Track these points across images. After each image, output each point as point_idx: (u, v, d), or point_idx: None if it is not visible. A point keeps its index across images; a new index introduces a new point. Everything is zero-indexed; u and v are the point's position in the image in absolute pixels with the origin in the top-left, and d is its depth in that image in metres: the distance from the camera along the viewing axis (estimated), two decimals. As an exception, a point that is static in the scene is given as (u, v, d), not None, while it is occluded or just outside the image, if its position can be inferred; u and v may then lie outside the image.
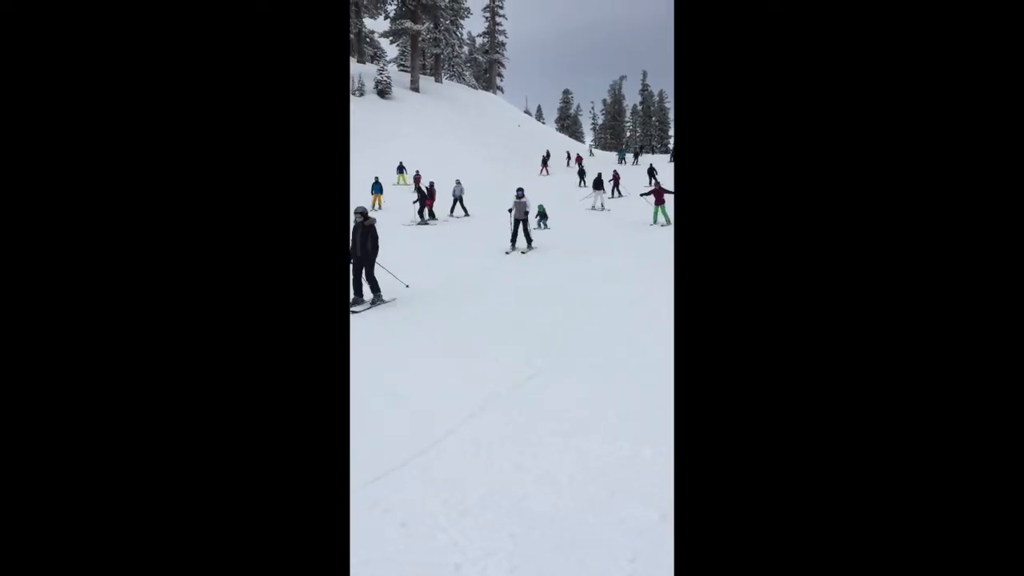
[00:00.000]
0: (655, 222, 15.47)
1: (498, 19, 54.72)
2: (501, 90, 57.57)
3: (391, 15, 44.88)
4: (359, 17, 45.76)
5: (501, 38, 55.85)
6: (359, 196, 18.39)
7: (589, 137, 74.42)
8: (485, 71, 56.86)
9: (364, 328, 7.12)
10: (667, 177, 22.19)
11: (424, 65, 47.09)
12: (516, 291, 8.98)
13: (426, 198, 18.55)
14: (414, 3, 43.02)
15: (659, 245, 12.16)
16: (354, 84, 39.13)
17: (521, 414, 4.54)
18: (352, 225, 8.00)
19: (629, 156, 41.20)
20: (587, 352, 5.99)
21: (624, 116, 77.14)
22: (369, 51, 48.95)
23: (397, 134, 34.29)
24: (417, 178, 22.20)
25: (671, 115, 70.99)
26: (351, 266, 7.99)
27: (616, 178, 24.00)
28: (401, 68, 47.49)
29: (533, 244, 12.71)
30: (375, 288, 8.21)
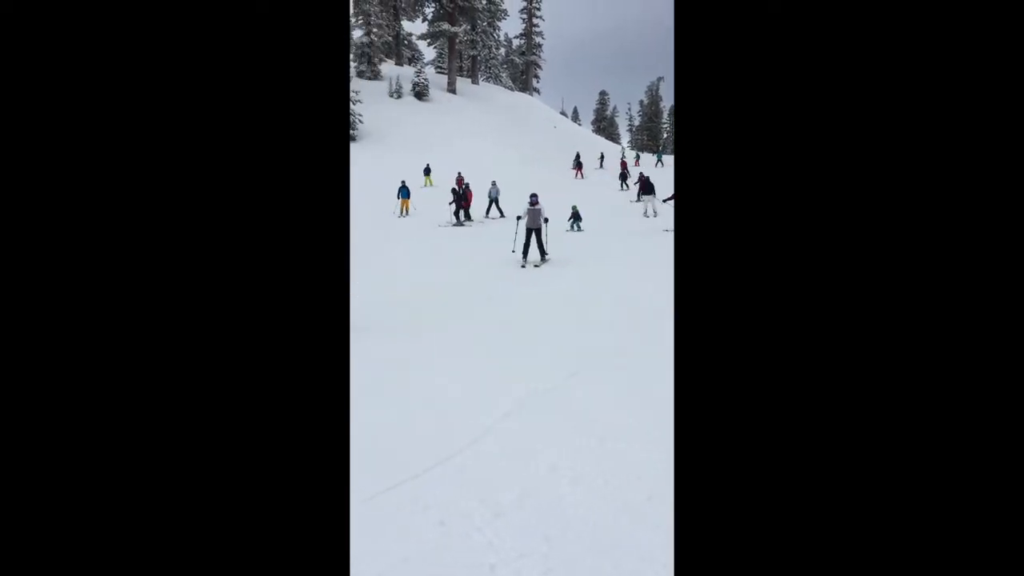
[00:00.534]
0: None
1: (535, 20, 54.73)
2: (537, 91, 57.62)
3: (429, 18, 45.24)
4: (397, 20, 46.26)
5: (538, 39, 55.85)
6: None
7: (625, 139, 73.98)
8: (522, 73, 56.94)
9: (393, 328, 7.22)
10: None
11: (461, 67, 47.38)
12: (540, 297, 8.99)
13: (462, 199, 18.66)
14: (452, 5, 43.31)
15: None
16: (392, 86, 39.56)
17: (556, 416, 4.57)
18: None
19: (667, 157, 40.86)
20: (620, 355, 5.98)
21: (661, 117, 76.45)
22: (407, 53, 49.44)
23: (433, 136, 34.56)
24: (459, 180, 22.23)
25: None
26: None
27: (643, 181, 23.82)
28: (438, 70, 47.90)
29: (547, 256, 11.50)
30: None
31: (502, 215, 19.25)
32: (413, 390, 5.24)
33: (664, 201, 15.97)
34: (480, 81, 48.89)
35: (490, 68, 52.53)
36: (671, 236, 17.04)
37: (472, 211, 18.94)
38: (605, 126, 75.35)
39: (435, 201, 20.56)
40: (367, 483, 3.65)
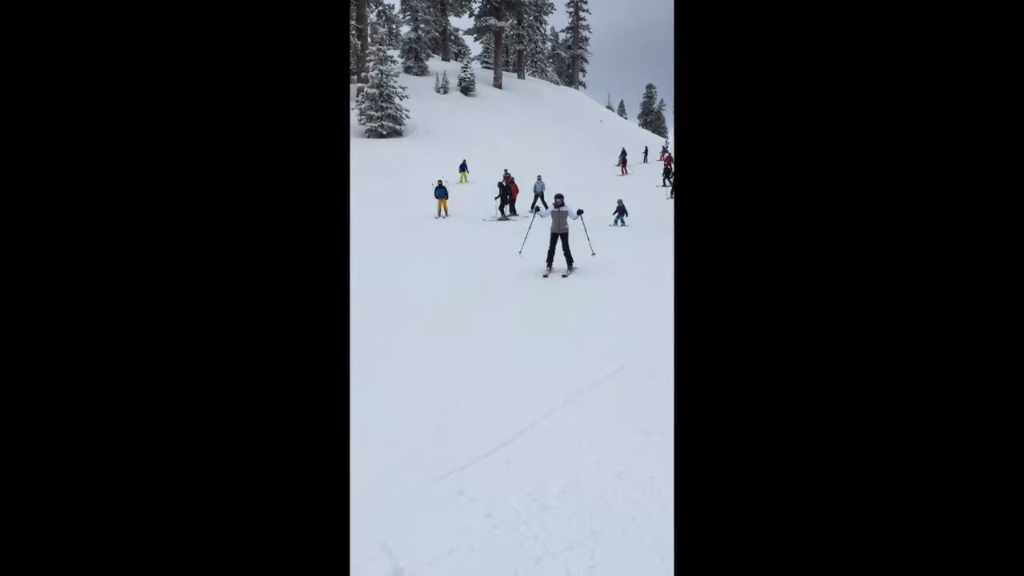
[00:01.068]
0: None
1: (581, 14, 54.29)
2: (583, 85, 57.21)
3: (475, 13, 45.38)
4: (444, 15, 46.51)
5: (584, 33, 55.40)
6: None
7: (672, 133, 72.98)
8: (568, 67, 56.63)
9: (437, 322, 7.28)
10: None
11: (507, 62, 47.39)
12: (586, 293, 8.93)
13: (507, 193, 18.69)
14: (498, 0, 43.31)
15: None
16: (438, 81, 39.81)
17: (602, 411, 4.54)
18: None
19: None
20: (665, 352, 5.91)
21: (709, 111, 74.79)
22: (454, 48, 49.68)
23: (478, 130, 34.68)
24: (506, 177, 22.23)
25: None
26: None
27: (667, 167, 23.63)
28: (484, 65, 48.01)
29: (575, 265, 10.07)
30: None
31: (546, 207, 19.19)
32: (458, 384, 5.27)
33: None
34: (526, 75, 48.80)
35: (536, 62, 52.37)
36: None
37: (517, 206, 18.95)
38: (652, 120, 74.39)
39: (472, 199, 20.30)
40: (413, 474, 3.70)
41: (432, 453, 3.97)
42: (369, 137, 33.02)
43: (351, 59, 37.97)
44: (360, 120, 33.48)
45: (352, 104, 34.54)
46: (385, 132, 33.13)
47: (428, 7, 44.74)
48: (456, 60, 47.69)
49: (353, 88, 36.26)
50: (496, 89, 42.57)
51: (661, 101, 77.12)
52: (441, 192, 19.15)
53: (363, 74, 35.80)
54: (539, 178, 20.05)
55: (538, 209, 10.24)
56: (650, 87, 77.48)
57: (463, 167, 26.98)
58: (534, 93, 43.73)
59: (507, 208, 18.44)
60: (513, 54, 47.97)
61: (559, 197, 10.31)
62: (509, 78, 45.36)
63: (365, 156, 28.13)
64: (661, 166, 27.50)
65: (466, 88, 40.28)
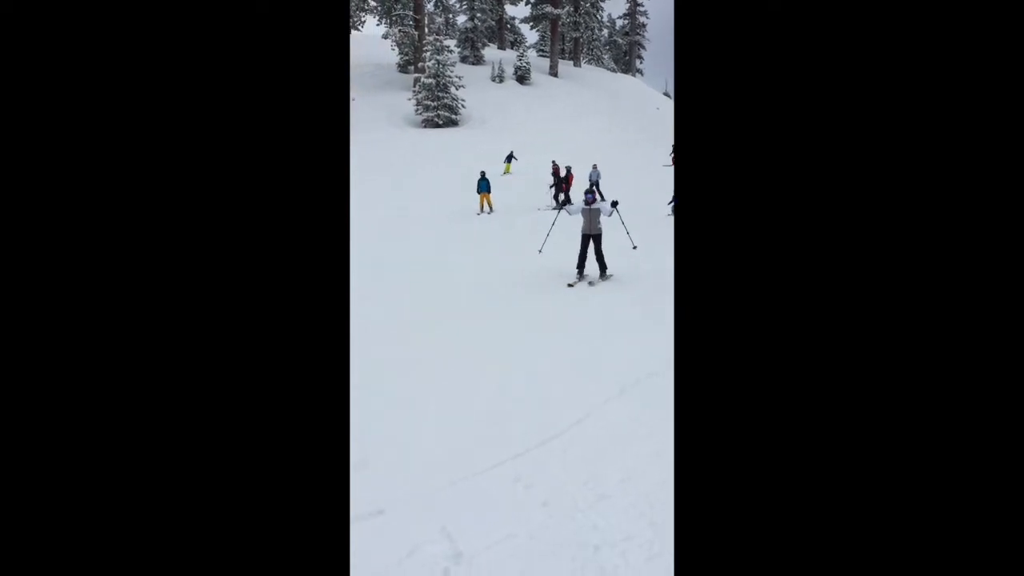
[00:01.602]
0: None
1: (639, 0, 53.47)
2: (640, 72, 56.36)
3: (532, 1, 45.15)
4: (500, 4, 46.41)
5: (641, 19, 54.52)
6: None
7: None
8: (624, 54, 55.85)
9: (492, 310, 7.32)
10: None
11: (563, 50, 47.02)
12: (644, 282, 8.79)
13: (562, 183, 18.61)
14: (555, -13, 43.01)
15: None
16: (494, 70, 39.82)
17: (659, 401, 4.49)
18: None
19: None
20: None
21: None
22: (510, 37, 49.60)
23: (534, 119, 34.57)
24: (555, 169, 22.01)
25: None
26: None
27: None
28: (540, 53, 47.79)
29: (608, 272, 8.72)
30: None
31: (602, 199, 19.05)
32: (514, 372, 5.29)
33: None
34: (582, 63, 48.37)
35: (592, 50, 51.83)
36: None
37: (572, 194, 18.85)
38: (710, 107, 72.80)
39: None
40: (469, 461, 3.73)
41: (486, 441, 4.00)
42: (425, 127, 33.32)
43: (408, 49, 38.36)
44: (416, 110, 33.81)
45: (409, 95, 34.92)
46: (441, 122, 33.38)
47: (484, -4, 44.76)
48: (512, 49, 47.64)
49: (410, 78, 36.64)
50: (552, 77, 42.30)
51: (720, 88, 75.18)
52: (484, 186, 17.66)
53: (420, 64, 36.12)
54: (594, 166, 19.88)
55: (569, 202, 8.86)
56: (709, 73, 75.67)
57: (509, 158, 26.40)
58: (590, 81, 43.32)
59: (562, 196, 18.37)
60: (569, 42, 47.57)
61: (589, 193, 8.85)
62: (565, 66, 45.03)
63: (416, 146, 28.42)
64: None
65: (522, 77, 40.18)
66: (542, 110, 36.11)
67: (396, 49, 39.74)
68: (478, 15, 42.92)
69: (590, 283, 8.47)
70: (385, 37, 41.87)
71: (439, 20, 43.98)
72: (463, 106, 34.52)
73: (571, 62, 46.97)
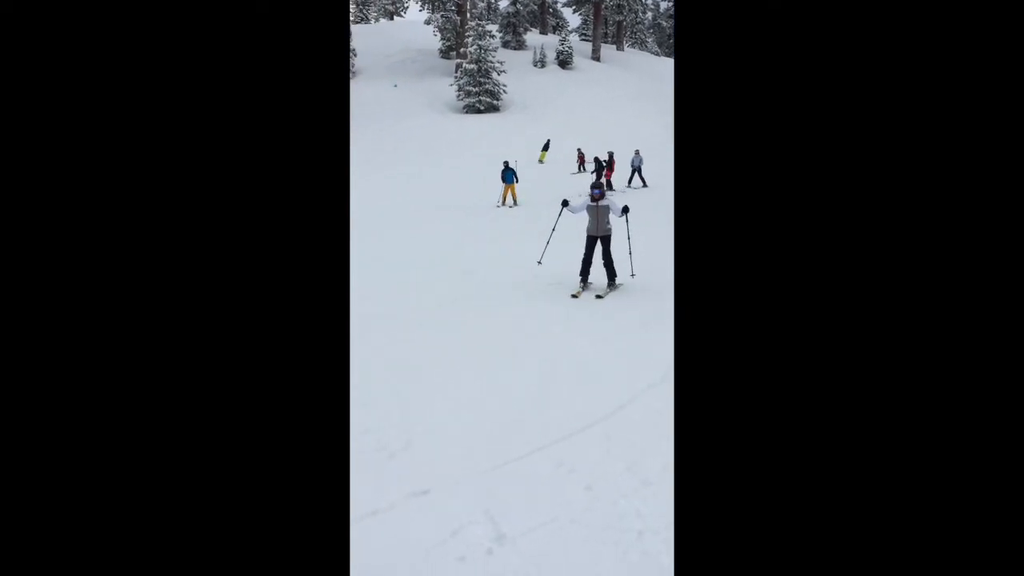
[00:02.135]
0: None
1: (685, -19, 52.39)
2: (685, 56, 55.30)
3: (575, -16, 44.70)
4: (543, -12, 46.03)
5: (687, 1, 53.46)
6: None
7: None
8: (669, 36, 54.91)
9: (533, 299, 7.32)
10: None
11: (606, 33, 46.48)
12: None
13: (603, 169, 18.47)
14: (598, -30, 42.43)
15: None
16: (536, 55, 39.58)
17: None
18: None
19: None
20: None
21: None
22: (552, 21, 49.19)
23: (575, 104, 34.30)
24: (581, 158, 21.74)
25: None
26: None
27: None
28: (583, 38, 47.25)
29: (618, 281, 7.62)
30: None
31: (644, 185, 18.85)
32: (557, 356, 5.30)
33: None
34: (625, 47, 47.72)
35: (636, 33, 51.06)
36: None
37: (614, 180, 18.69)
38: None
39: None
40: (511, 445, 3.75)
41: (528, 425, 4.01)
42: (467, 113, 33.36)
43: (450, 35, 38.35)
44: (458, 96, 33.85)
45: (450, 80, 34.96)
46: (483, 108, 33.38)
47: (527, -20, 44.41)
48: (554, 33, 47.25)
49: (452, 64, 36.65)
50: (594, 62, 41.86)
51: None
52: (509, 176, 16.70)
53: (462, 50, 36.11)
54: (636, 152, 19.66)
55: (566, 203, 7.81)
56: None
57: (546, 147, 26.22)
58: (634, 65, 42.72)
59: (603, 183, 18.23)
60: (612, 25, 46.99)
61: (597, 188, 7.48)
62: (608, 50, 44.49)
63: (451, 133, 28.43)
64: None
65: (564, 61, 39.85)
66: (584, 95, 35.79)
67: (438, 35, 39.82)
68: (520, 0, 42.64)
69: (597, 296, 7.26)
70: (427, 23, 41.93)
71: (481, 5, 43.86)
72: (504, 91, 34.45)
73: (614, 46, 46.38)
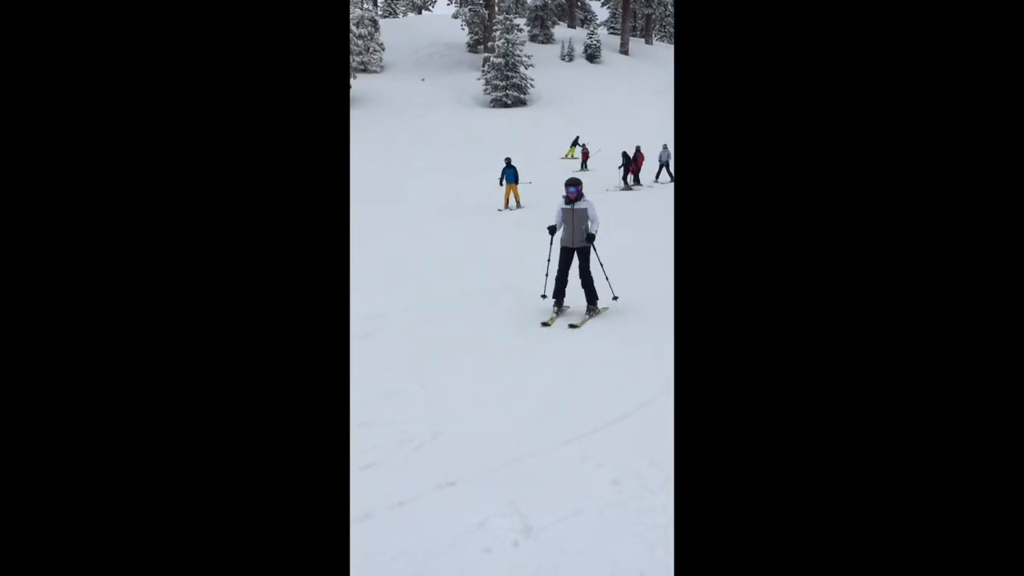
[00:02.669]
0: None
1: (715, -27, 51.78)
2: (714, 50, 54.72)
3: (603, -23, 44.42)
4: (571, -19, 45.81)
5: (717, -6, 52.84)
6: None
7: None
8: (698, 30, 54.32)
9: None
10: None
11: (635, 27, 46.14)
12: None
13: (631, 163, 18.36)
14: (627, -37, 42.09)
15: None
16: (564, 49, 39.42)
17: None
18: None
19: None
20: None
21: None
22: (580, 15, 48.95)
23: (602, 99, 34.12)
24: (585, 154, 21.59)
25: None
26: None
27: None
28: (611, 31, 46.97)
29: (600, 303, 6.44)
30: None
31: (672, 179, 18.72)
32: (583, 353, 5.30)
33: None
34: (654, 41, 47.31)
35: (665, 27, 50.59)
36: None
37: (641, 175, 18.59)
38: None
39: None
40: (534, 440, 3.77)
41: (552, 420, 4.03)
42: (494, 107, 33.35)
43: (478, 28, 38.34)
44: (485, 90, 33.85)
45: (478, 74, 34.97)
46: (510, 102, 33.35)
47: (555, -27, 44.22)
48: (582, 27, 47.01)
49: (479, 58, 36.66)
50: (622, 56, 41.59)
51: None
52: (510, 175, 15.25)
53: (489, 43, 36.09)
54: (664, 147, 19.51)
55: (553, 228, 6.59)
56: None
57: (575, 142, 26.03)
58: (662, 59, 42.31)
59: (631, 178, 18.15)
60: (641, 18, 46.63)
61: (574, 186, 6.34)
62: (636, 44, 44.16)
63: (471, 128, 28.37)
64: None
65: (592, 55, 39.64)
66: (612, 89, 35.59)
67: (466, 28, 39.84)
68: (548, -7, 42.48)
69: (571, 325, 6.04)
70: (455, 17, 42.00)
71: (509, -1, 43.77)
72: (532, 85, 34.37)
73: (643, 39, 46.01)
